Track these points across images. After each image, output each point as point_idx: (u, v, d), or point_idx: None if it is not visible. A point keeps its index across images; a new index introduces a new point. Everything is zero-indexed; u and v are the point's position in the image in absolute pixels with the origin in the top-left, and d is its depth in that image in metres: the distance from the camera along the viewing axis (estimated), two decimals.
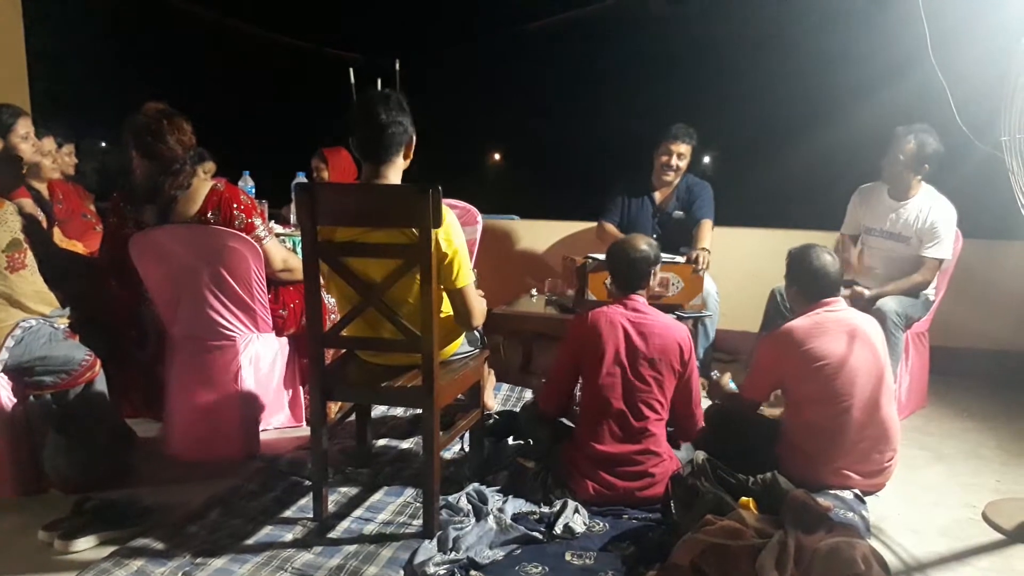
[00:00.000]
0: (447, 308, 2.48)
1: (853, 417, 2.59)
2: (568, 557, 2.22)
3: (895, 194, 3.56)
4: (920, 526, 2.52)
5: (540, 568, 2.15)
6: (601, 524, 2.42)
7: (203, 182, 2.82)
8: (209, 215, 2.78)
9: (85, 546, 2.29)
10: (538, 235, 5.13)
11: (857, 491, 2.62)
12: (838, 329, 2.63)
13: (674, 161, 4.08)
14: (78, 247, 3.32)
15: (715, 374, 3.34)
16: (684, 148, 4.09)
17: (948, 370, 4.01)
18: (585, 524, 2.39)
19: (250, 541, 2.32)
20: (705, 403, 2.95)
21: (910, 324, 3.46)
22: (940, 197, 3.50)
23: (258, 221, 2.86)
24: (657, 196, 4.22)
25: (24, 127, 3.22)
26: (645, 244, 2.69)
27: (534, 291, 4.20)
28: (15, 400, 2.62)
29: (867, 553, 1.92)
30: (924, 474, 2.95)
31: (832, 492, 2.58)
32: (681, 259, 3.72)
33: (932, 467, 3.02)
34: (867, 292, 3.43)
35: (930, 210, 3.46)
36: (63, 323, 2.71)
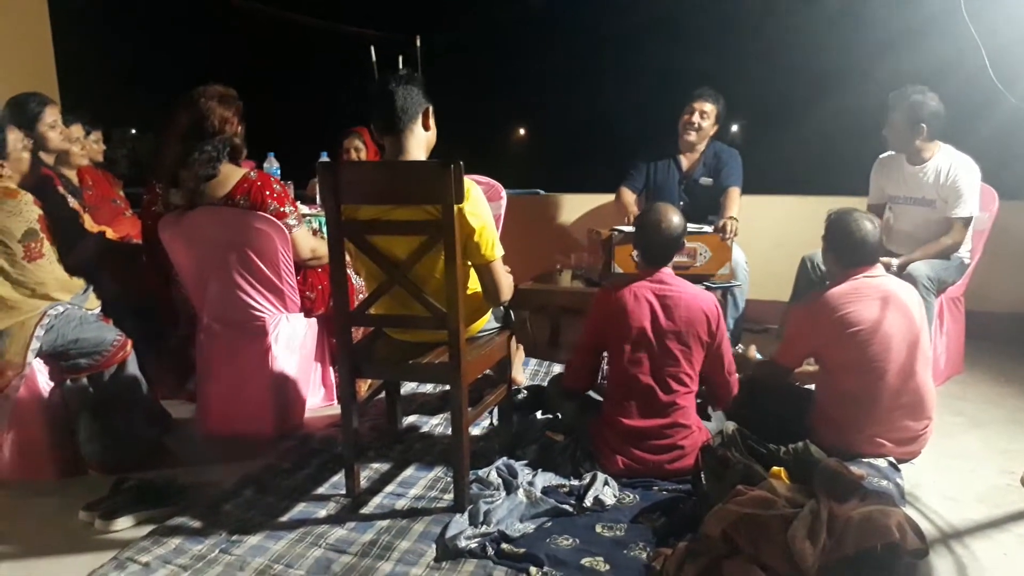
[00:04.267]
0: (474, 285, 2.48)
1: (887, 384, 2.56)
2: (599, 529, 2.23)
3: (912, 159, 3.48)
4: (957, 493, 2.48)
5: (571, 540, 2.16)
6: (631, 496, 2.42)
7: (234, 169, 2.83)
8: (239, 200, 2.79)
9: (124, 525, 2.34)
10: (563, 209, 5.11)
11: (891, 459, 2.58)
12: (872, 295, 2.59)
13: (696, 119, 4.02)
14: (108, 233, 3.36)
15: (740, 347, 3.31)
16: (708, 107, 4.03)
17: (985, 335, 3.94)
18: (615, 496, 2.39)
19: (284, 518, 2.36)
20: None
21: (943, 288, 3.39)
22: (959, 155, 3.41)
23: (289, 209, 2.87)
24: (684, 163, 4.17)
25: (52, 115, 3.26)
26: (677, 217, 2.62)
27: (559, 265, 4.18)
28: (52, 384, 2.68)
29: (902, 521, 1.90)
30: (961, 441, 2.90)
31: (865, 460, 2.55)
32: (709, 228, 3.68)
33: (969, 434, 2.97)
34: (894, 262, 3.36)
35: (949, 169, 3.37)
36: (95, 305, 2.75)
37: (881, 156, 3.68)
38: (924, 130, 3.37)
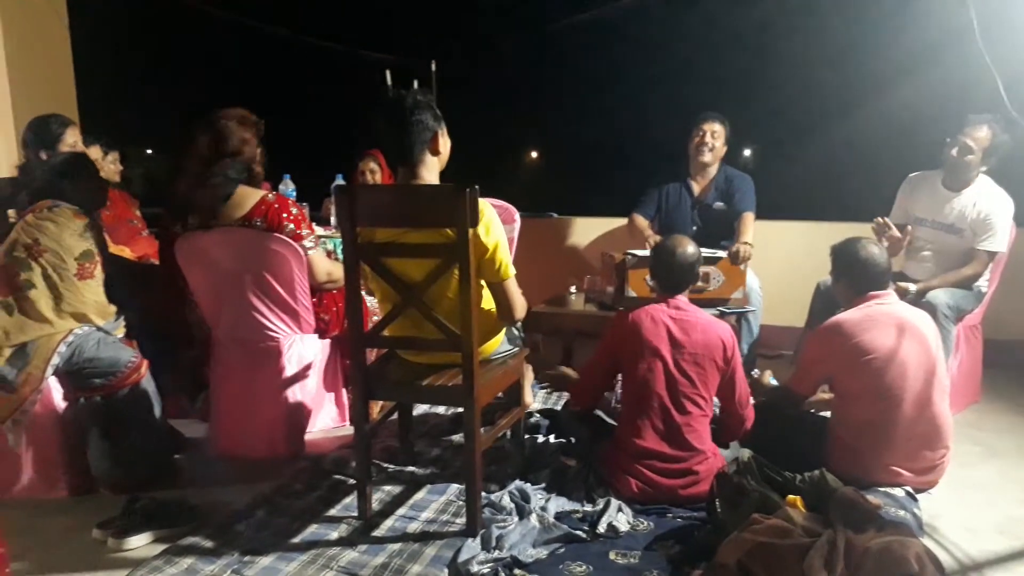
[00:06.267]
0: (487, 302, 2.48)
1: (903, 412, 2.53)
2: (612, 556, 2.21)
3: (950, 184, 3.43)
4: (975, 524, 2.44)
5: (584, 567, 2.14)
6: (645, 523, 2.40)
7: (252, 191, 2.86)
8: (256, 221, 2.81)
9: (137, 544, 2.33)
10: (576, 232, 5.11)
11: (908, 488, 2.56)
12: (888, 322, 2.58)
13: (708, 139, 4.04)
14: (125, 252, 3.40)
15: (756, 372, 3.30)
16: (716, 127, 4.05)
17: (1002, 363, 3.90)
18: (629, 523, 2.37)
19: (296, 539, 2.35)
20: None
21: (961, 317, 3.36)
22: (997, 188, 3.38)
23: (306, 231, 2.89)
24: (696, 187, 4.18)
25: (72, 136, 3.31)
26: (692, 248, 2.65)
27: (573, 288, 4.18)
28: (67, 403, 2.69)
29: (920, 552, 1.87)
30: (978, 471, 2.86)
31: (882, 489, 2.53)
32: (723, 253, 3.67)
33: (986, 464, 2.94)
34: (912, 287, 3.34)
35: (986, 201, 3.34)
36: (121, 332, 2.78)
37: (912, 175, 3.63)
38: (992, 163, 3.34)
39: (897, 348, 2.54)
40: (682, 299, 2.64)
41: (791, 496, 2.16)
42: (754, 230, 3.98)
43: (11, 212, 2.93)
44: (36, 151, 3.18)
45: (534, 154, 22.57)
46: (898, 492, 2.52)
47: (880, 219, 3.44)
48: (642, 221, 4.22)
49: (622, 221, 4.76)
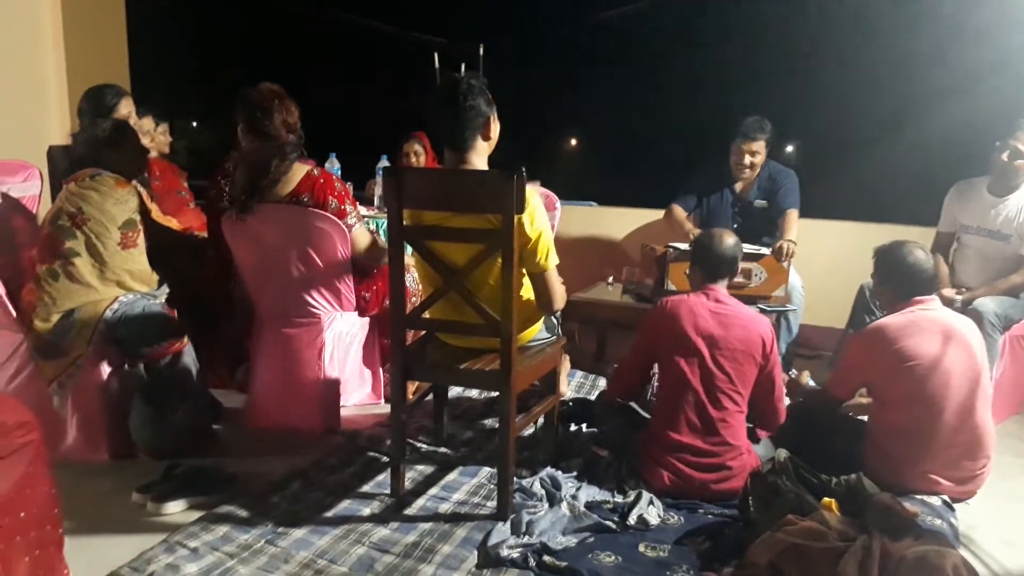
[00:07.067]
0: (527, 292, 2.48)
1: (944, 421, 2.49)
2: (642, 548, 2.21)
3: (996, 190, 3.38)
4: (1014, 538, 2.40)
5: (613, 557, 2.15)
6: (676, 517, 2.39)
7: (299, 166, 2.89)
8: (303, 197, 2.83)
9: (175, 509, 2.39)
10: (615, 222, 5.08)
11: (946, 497, 2.51)
12: (932, 329, 2.53)
13: (747, 160, 3.97)
14: (173, 223, 3.44)
15: (794, 372, 3.26)
16: (757, 145, 3.97)
17: None
18: (660, 516, 2.36)
19: (329, 514, 2.39)
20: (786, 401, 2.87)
21: (1009, 325, 3.29)
22: None
23: (350, 208, 2.91)
24: (738, 185, 4.12)
25: (127, 107, 3.35)
26: (732, 239, 2.66)
27: (611, 279, 4.16)
28: (111, 369, 2.75)
29: (958, 564, 1.84)
30: (1018, 483, 2.81)
31: (919, 497, 2.49)
32: (766, 250, 3.63)
33: None
34: (958, 297, 3.27)
35: None
36: (163, 298, 2.83)
37: (959, 182, 3.58)
38: None
39: (941, 356, 2.50)
40: (722, 292, 2.63)
41: (826, 499, 2.14)
42: (798, 228, 3.92)
43: None
44: (91, 121, 3.24)
45: (574, 141, 22.44)
46: (935, 501, 2.48)
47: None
48: (680, 212, 4.17)
49: (662, 213, 4.74)
